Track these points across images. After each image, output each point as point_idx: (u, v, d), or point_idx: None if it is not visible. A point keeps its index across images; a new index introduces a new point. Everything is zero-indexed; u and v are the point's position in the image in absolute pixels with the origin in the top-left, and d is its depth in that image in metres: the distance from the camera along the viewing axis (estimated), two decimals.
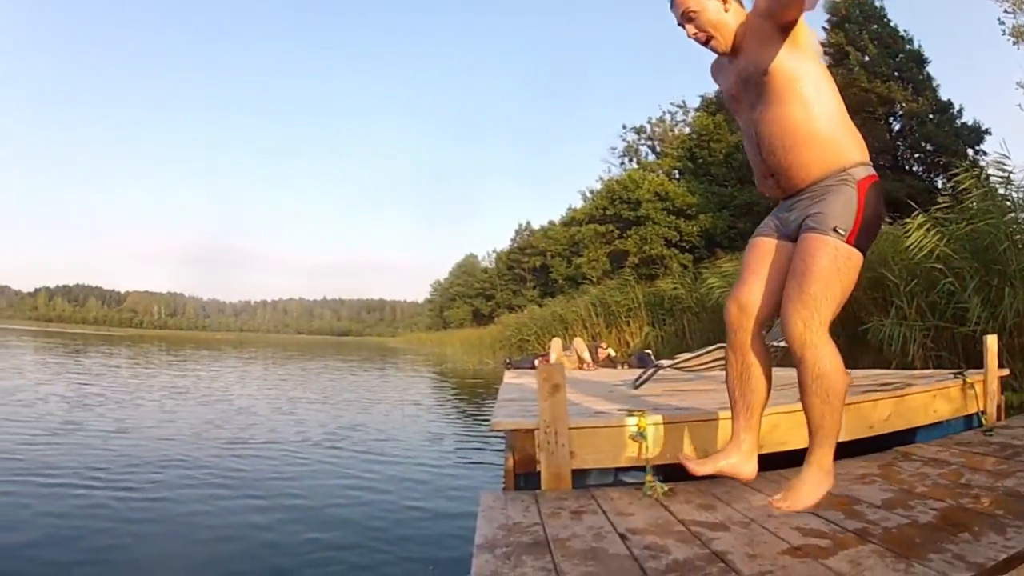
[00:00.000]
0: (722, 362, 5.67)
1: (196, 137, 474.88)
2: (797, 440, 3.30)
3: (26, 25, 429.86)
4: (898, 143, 25.28)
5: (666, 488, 2.99)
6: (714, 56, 2.90)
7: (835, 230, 2.54)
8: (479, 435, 8.51)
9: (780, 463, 3.28)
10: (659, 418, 3.30)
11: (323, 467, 6.24)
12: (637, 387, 5.30)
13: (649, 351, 11.44)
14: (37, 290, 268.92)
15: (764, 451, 3.21)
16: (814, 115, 2.58)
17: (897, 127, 25.37)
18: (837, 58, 26.05)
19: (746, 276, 2.85)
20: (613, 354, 12.17)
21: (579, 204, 46.14)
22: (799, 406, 3.39)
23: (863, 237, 2.57)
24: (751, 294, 2.79)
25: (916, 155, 25.35)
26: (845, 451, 3.58)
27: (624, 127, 47.51)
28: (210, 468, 5.95)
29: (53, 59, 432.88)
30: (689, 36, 2.75)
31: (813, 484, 2.59)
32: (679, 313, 14.72)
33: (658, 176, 32.52)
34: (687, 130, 32.30)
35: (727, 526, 2.45)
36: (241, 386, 15.31)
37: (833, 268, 2.52)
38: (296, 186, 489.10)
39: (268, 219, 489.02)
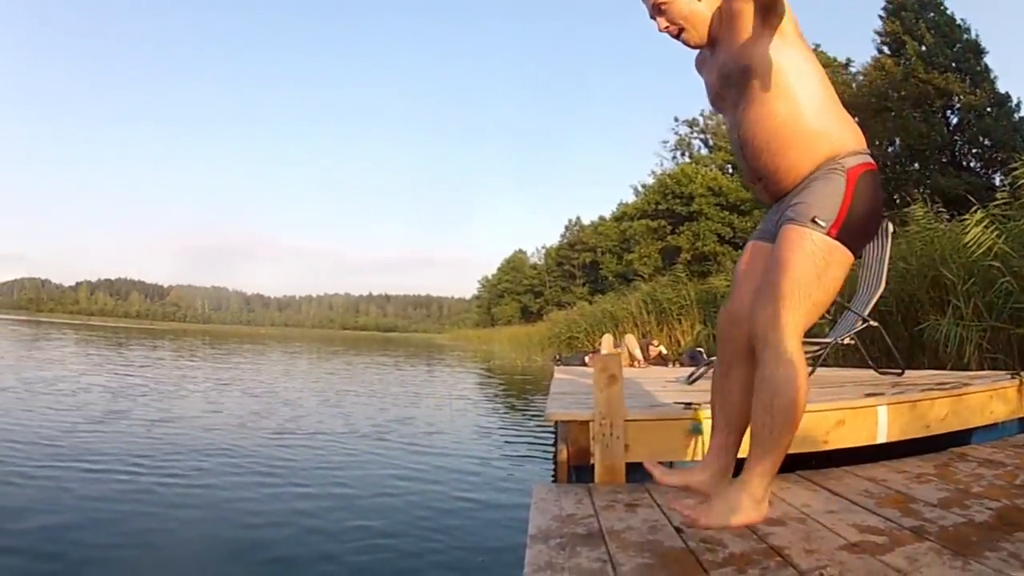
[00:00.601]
0: None
1: (238, 133, 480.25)
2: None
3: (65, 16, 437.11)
4: (955, 137, 24.86)
5: None
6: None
7: (814, 220, 2.29)
8: (528, 429, 8.52)
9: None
10: None
11: (371, 458, 6.25)
12: (691, 383, 5.30)
13: (701, 349, 11.40)
14: (78, 284, 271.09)
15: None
16: (801, 110, 2.38)
17: (955, 121, 24.96)
18: (894, 48, 25.70)
19: (735, 285, 2.64)
20: (664, 352, 12.15)
21: (630, 199, 46.02)
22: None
23: (850, 231, 2.31)
24: (741, 304, 2.53)
25: (974, 150, 24.90)
26: (902, 450, 3.59)
27: (676, 120, 47.22)
28: (256, 457, 5.99)
29: (94, 44, 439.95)
30: (660, 30, 2.56)
31: (731, 507, 2.20)
32: None
33: (711, 170, 32.33)
34: None
35: (783, 521, 2.46)
36: (287, 379, 15.39)
37: (807, 263, 2.26)
38: (346, 182, 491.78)
39: (315, 214, 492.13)
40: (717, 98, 2.64)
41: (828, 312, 8.26)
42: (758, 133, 2.43)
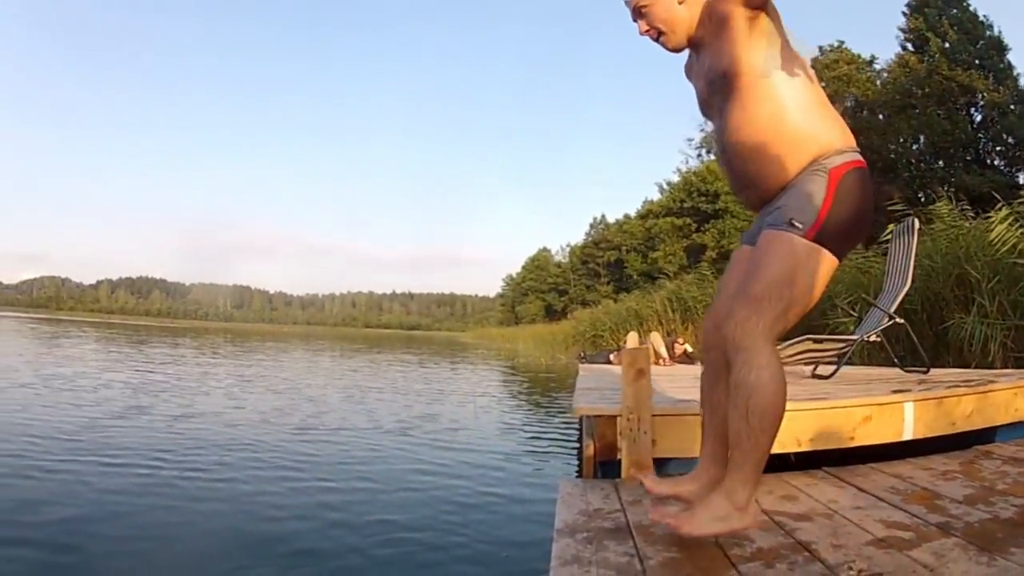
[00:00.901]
0: (808, 355, 5.67)
1: (262, 133, 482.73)
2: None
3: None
4: (979, 135, 24.69)
5: None
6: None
7: (791, 223, 2.20)
8: (552, 426, 8.51)
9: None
10: None
11: (395, 453, 6.26)
12: None
13: None
14: (99, 282, 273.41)
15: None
16: (785, 114, 2.28)
17: (978, 118, 24.79)
18: (917, 44, 25.53)
19: (718, 291, 2.57)
20: (690, 350, 12.10)
21: (656, 196, 45.88)
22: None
23: (831, 233, 2.21)
24: (721, 309, 2.41)
25: (998, 148, 24.72)
26: (926, 448, 3.58)
27: None
28: (279, 451, 6.00)
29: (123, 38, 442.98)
30: (640, 33, 2.49)
31: (714, 514, 2.15)
32: None
33: None
34: None
35: (810, 517, 2.47)
36: (310, 375, 15.42)
37: (783, 266, 2.18)
38: (370, 180, 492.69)
39: (339, 213, 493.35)
40: (704, 104, 2.55)
41: (854, 309, 8.23)
42: (742, 140, 2.35)
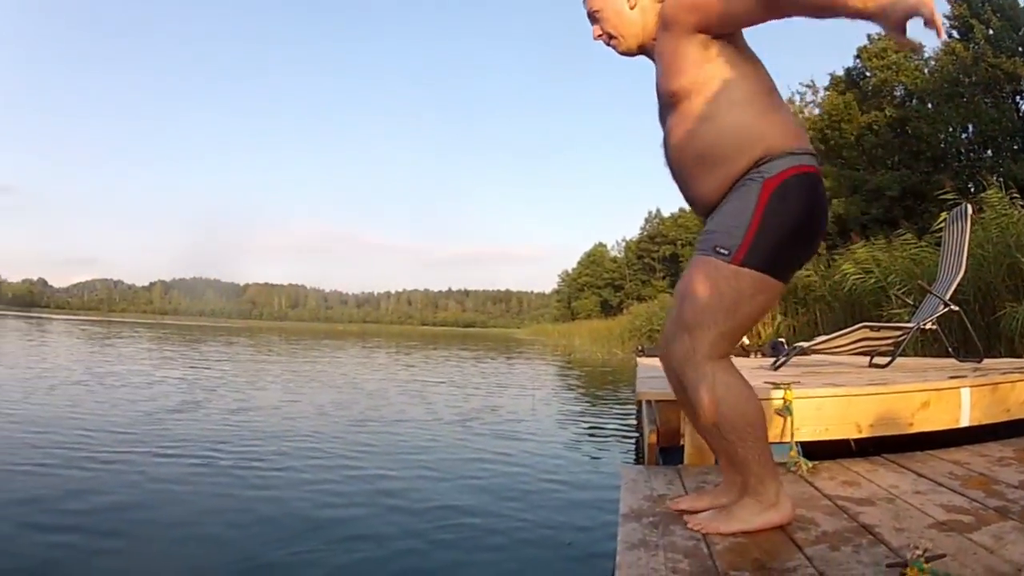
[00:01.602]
0: (864, 344, 5.62)
1: (317, 133, 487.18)
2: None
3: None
4: None
5: (810, 464, 2.97)
6: None
7: (715, 250, 2.11)
8: (609, 417, 8.54)
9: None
10: (805, 392, 3.24)
11: (454, 443, 6.27)
12: (776, 368, 5.27)
13: (782, 339, 11.26)
14: (152, 284, 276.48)
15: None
16: (724, 124, 2.16)
17: None
18: (962, 32, 25.02)
19: (668, 308, 2.40)
20: (746, 343, 12.02)
21: None
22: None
23: (763, 253, 2.09)
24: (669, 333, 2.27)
25: None
26: (982, 435, 3.55)
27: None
28: (338, 442, 5.99)
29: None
30: (594, 38, 2.43)
31: (750, 512, 2.16)
32: (811, 303, 14.36)
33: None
34: (817, 111, 30.90)
35: (872, 501, 2.47)
36: (368, 371, 15.38)
37: (711, 294, 2.10)
38: (424, 178, 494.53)
39: (394, 211, 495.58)
40: (660, 116, 2.41)
41: (909, 299, 8.12)
42: (681, 156, 2.28)
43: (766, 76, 2.25)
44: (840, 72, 29.97)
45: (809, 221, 2.17)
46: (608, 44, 2.42)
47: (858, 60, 29.06)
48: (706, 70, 2.17)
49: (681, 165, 2.30)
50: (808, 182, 2.15)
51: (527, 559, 3.35)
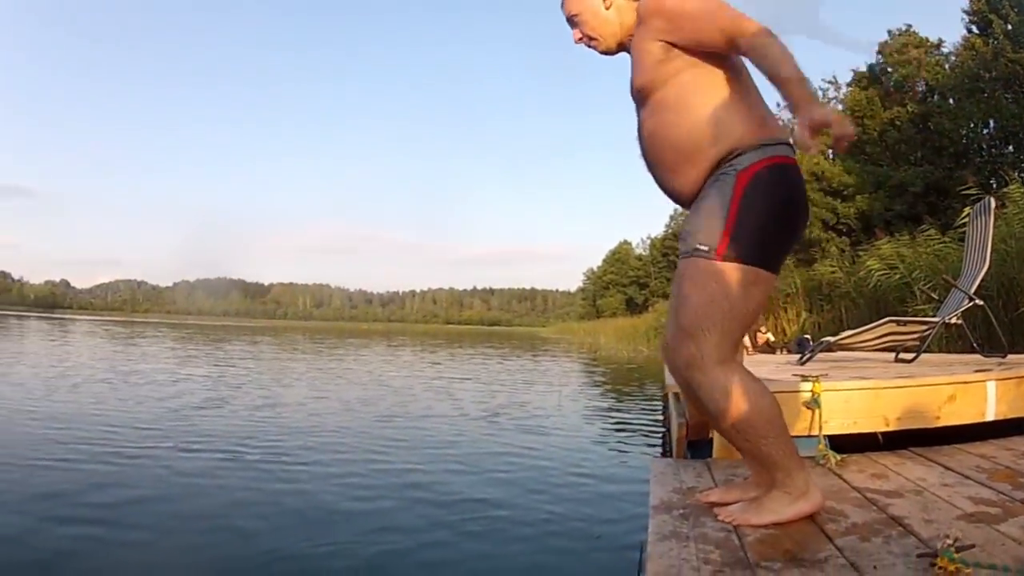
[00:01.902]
0: (890, 339, 5.59)
1: (342, 132, 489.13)
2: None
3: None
4: None
5: (839, 458, 2.97)
6: None
7: (696, 249, 2.10)
8: (636, 413, 8.54)
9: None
10: (833, 385, 3.24)
11: (482, 438, 6.29)
12: (803, 363, 5.26)
13: (808, 336, 11.24)
14: (175, 284, 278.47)
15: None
16: (695, 118, 2.18)
17: None
18: (981, 27, 24.78)
19: (669, 309, 2.31)
20: (772, 339, 12.00)
21: None
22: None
23: (745, 245, 2.08)
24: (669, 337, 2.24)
25: None
26: (1006, 430, 3.53)
27: (778, 105, 46.23)
28: (364, 436, 6.04)
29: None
30: (575, 41, 2.45)
31: (780, 503, 2.16)
32: (837, 299, 14.27)
33: (813, 155, 31.37)
34: (839, 107, 30.63)
35: (901, 493, 2.46)
36: (393, 368, 15.43)
37: (703, 294, 2.08)
38: (448, 176, 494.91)
39: (418, 209, 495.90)
40: (636, 111, 2.41)
41: (934, 294, 8.06)
42: (652, 150, 2.30)
43: (739, 67, 2.26)
44: (863, 68, 29.76)
45: (785, 210, 2.18)
46: (589, 46, 2.45)
47: (880, 56, 28.85)
48: (674, 65, 2.21)
49: (653, 159, 2.32)
50: (781, 172, 2.16)
51: (557, 550, 3.36)
